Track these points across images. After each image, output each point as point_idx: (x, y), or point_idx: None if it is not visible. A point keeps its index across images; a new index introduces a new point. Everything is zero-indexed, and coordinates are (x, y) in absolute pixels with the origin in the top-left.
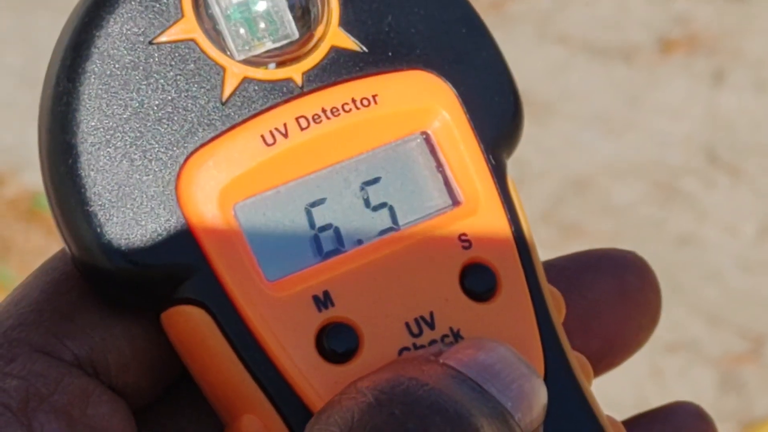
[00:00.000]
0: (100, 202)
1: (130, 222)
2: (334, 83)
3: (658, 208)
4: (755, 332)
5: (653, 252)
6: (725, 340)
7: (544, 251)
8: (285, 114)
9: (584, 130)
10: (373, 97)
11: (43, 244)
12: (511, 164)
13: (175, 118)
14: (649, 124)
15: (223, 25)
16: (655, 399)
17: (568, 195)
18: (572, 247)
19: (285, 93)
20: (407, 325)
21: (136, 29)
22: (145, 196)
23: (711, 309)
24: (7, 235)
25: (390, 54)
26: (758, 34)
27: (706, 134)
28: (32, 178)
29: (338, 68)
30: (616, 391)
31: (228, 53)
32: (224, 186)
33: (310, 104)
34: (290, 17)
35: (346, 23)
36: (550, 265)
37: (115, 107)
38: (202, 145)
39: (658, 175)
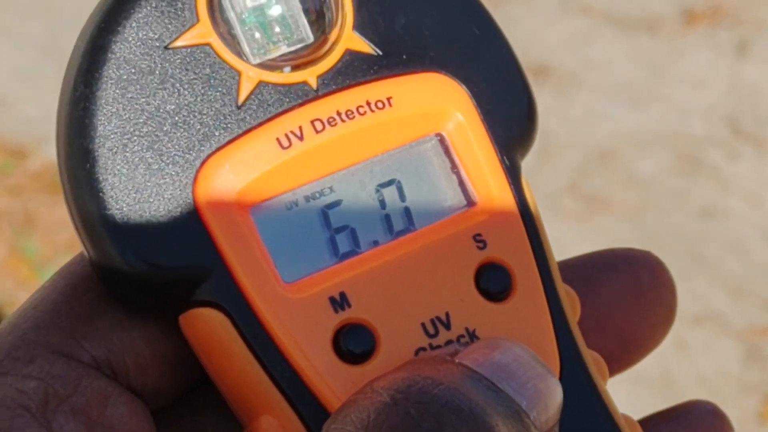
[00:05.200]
0: (117, 206)
1: (147, 225)
2: (349, 86)
3: (682, 179)
4: None
5: (677, 223)
6: (749, 313)
7: (570, 222)
8: (300, 117)
9: (608, 101)
10: (388, 99)
11: (66, 217)
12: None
13: (192, 122)
14: (672, 95)
15: (238, 30)
16: (680, 371)
17: (592, 166)
18: (597, 220)
19: (300, 96)
20: (423, 325)
21: (152, 34)
22: (162, 199)
23: (735, 281)
24: (31, 208)
25: (404, 56)
26: None
27: (729, 105)
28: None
29: (353, 71)
30: (642, 364)
31: (243, 57)
32: (241, 189)
33: (325, 107)
34: (305, 21)
35: (361, 26)
36: (565, 265)
37: (131, 112)
38: (219, 149)
39: (682, 147)
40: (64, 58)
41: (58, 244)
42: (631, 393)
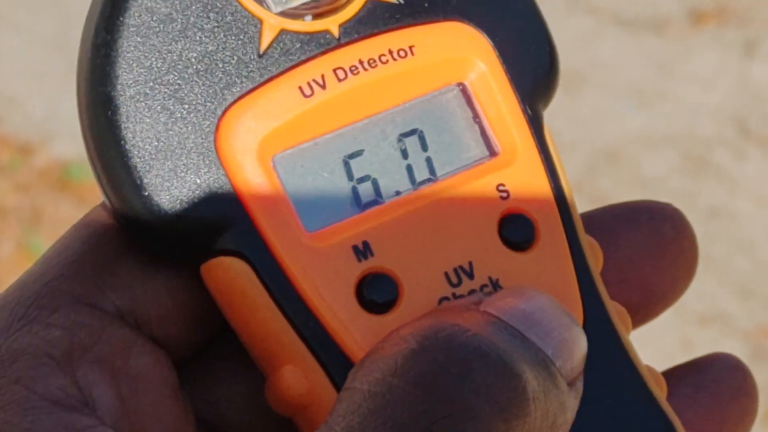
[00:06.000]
0: (139, 155)
1: (169, 174)
2: (371, 35)
3: (689, 180)
4: None
5: None
6: (757, 313)
7: None
8: (322, 65)
9: (615, 101)
10: (410, 48)
11: (73, 214)
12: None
13: (213, 71)
14: (680, 95)
15: None
16: None
17: (599, 166)
18: None
19: (322, 45)
20: (446, 274)
21: None
22: (184, 148)
23: (742, 281)
24: (37, 205)
25: (426, 5)
26: None
27: (737, 105)
28: (63, 147)
29: (375, 20)
30: (647, 363)
31: (265, 5)
32: (263, 138)
33: (347, 56)
34: None
35: None
36: (587, 217)
37: (153, 59)
38: (241, 97)
39: (689, 147)
40: (72, 56)
41: None
42: None
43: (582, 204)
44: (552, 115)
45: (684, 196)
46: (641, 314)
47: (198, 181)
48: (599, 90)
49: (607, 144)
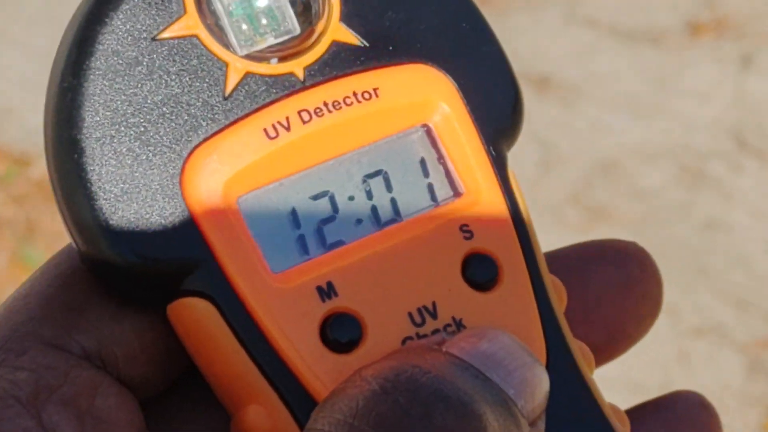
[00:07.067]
0: (105, 197)
1: (135, 216)
2: (336, 77)
3: (685, 192)
4: None
5: (680, 236)
6: (753, 325)
7: (572, 234)
8: (287, 108)
9: (612, 114)
10: (374, 90)
11: None
12: (539, 146)
13: (179, 113)
14: (677, 107)
15: (225, 21)
16: (682, 383)
17: (595, 178)
18: (599, 230)
19: (287, 87)
20: (410, 315)
21: (139, 26)
22: (149, 190)
23: (738, 293)
24: (33, 217)
25: (391, 48)
26: None
27: (734, 118)
28: None
29: (339, 62)
30: (643, 375)
31: (230, 49)
32: (228, 179)
33: (311, 98)
34: (292, 13)
35: (347, 18)
36: (553, 256)
37: (119, 103)
38: (206, 139)
39: (686, 159)
40: None
41: None
42: (631, 403)
43: (579, 216)
44: (548, 127)
45: (680, 208)
46: (606, 353)
47: (164, 222)
48: (596, 102)
49: (603, 156)
